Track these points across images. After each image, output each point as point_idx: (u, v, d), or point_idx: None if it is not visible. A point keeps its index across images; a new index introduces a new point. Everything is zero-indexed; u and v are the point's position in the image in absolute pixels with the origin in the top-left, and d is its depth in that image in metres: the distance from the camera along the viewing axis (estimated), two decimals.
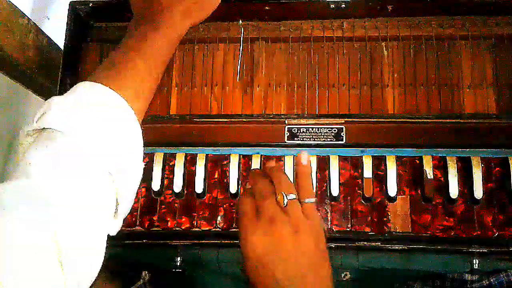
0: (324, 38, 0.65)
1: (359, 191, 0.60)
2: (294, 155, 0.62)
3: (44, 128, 0.46)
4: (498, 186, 0.59)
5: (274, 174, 0.53)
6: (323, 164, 0.61)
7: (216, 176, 0.63)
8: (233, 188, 0.61)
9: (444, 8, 0.64)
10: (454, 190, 0.58)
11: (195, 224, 0.61)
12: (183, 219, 0.62)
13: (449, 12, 0.64)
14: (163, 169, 0.62)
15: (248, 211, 0.50)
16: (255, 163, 0.62)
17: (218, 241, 0.62)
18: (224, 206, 0.62)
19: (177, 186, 0.62)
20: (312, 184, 0.54)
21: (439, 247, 0.60)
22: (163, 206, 0.62)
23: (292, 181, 0.53)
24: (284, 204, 0.49)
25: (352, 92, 0.63)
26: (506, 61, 0.63)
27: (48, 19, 0.90)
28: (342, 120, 0.62)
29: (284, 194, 0.49)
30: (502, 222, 0.58)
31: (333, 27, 0.65)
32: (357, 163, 0.61)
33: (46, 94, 0.80)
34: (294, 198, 0.50)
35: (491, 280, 0.61)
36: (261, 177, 0.53)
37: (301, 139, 0.62)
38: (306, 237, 0.48)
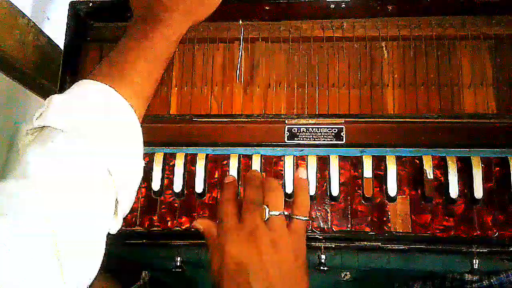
0: (324, 38, 0.65)
1: (359, 191, 0.60)
2: (294, 155, 0.62)
3: (43, 126, 0.46)
4: (498, 186, 0.59)
5: (267, 186, 0.53)
6: (323, 164, 0.61)
7: (216, 176, 0.63)
8: None
9: (444, 8, 0.64)
10: (454, 190, 0.58)
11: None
12: (183, 219, 0.62)
13: (449, 12, 0.64)
14: (163, 169, 0.62)
15: (228, 218, 0.51)
16: (255, 163, 0.62)
17: None
18: None
19: (177, 186, 0.61)
20: (309, 201, 0.56)
21: (439, 247, 0.60)
22: (163, 206, 0.62)
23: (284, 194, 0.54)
24: (265, 218, 0.50)
25: (352, 92, 0.63)
26: (506, 61, 0.63)
27: (48, 19, 0.90)
28: (342, 120, 0.62)
29: (266, 209, 0.50)
30: (502, 222, 0.58)
31: (333, 27, 0.65)
32: (357, 163, 0.61)
33: (46, 94, 0.80)
34: (277, 214, 0.50)
35: (491, 280, 0.61)
36: (257, 183, 0.54)
37: (301, 139, 0.62)
38: (284, 251, 0.49)
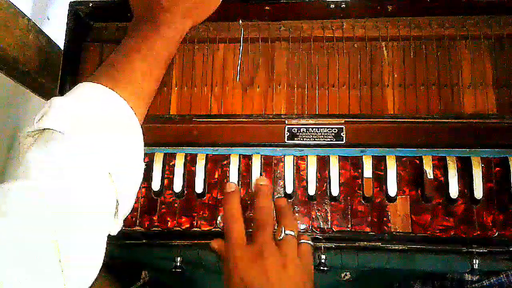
0: (324, 38, 0.65)
1: (359, 191, 0.60)
2: (294, 155, 0.62)
3: (44, 129, 0.46)
4: (498, 186, 0.59)
5: (282, 209, 0.54)
6: (323, 164, 0.61)
7: (216, 176, 0.63)
8: None
9: (444, 8, 0.64)
10: (454, 190, 0.58)
11: (195, 224, 0.61)
12: (183, 219, 0.62)
13: (449, 12, 0.64)
14: (163, 169, 0.62)
15: (235, 235, 0.51)
16: (255, 163, 0.62)
17: None
18: None
19: (177, 186, 0.61)
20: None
21: (439, 247, 0.60)
22: (163, 206, 0.62)
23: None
24: (280, 237, 0.50)
25: (352, 92, 0.63)
26: (506, 61, 0.63)
27: (48, 19, 0.90)
28: (342, 120, 0.62)
29: (283, 228, 0.50)
30: (502, 222, 0.58)
31: (333, 27, 0.65)
32: (357, 163, 0.61)
33: (46, 94, 0.80)
34: (292, 235, 0.51)
35: (491, 280, 0.61)
36: (266, 200, 0.54)
37: (301, 139, 0.62)
38: (293, 272, 0.49)
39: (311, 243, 0.53)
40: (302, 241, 0.53)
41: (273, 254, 0.49)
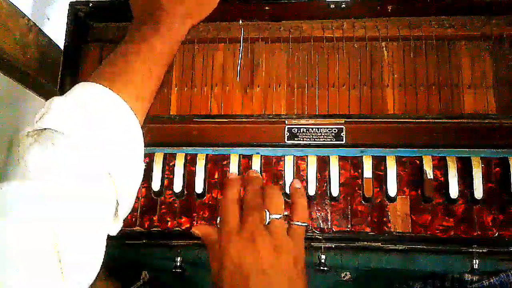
0: (324, 38, 0.65)
1: (359, 191, 0.60)
2: (294, 155, 0.62)
3: (44, 128, 0.46)
4: (498, 186, 0.59)
5: (267, 191, 0.54)
6: (323, 164, 0.61)
7: (216, 176, 0.63)
8: None
9: (444, 8, 0.64)
10: (454, 190, 0.58)
11: (195, 224, 0.61)
12: (183, 219, 0.62)
13: (449, 12, 0.64)
14: (163, 169, 0.62)
15: (231, 220, 0.51)
16: (255, 163, 0.62)
17: None
18: None
19: (177, 186, 0.61)
20: (307, 208, 0.57)
21: (439, 247, 0.60)
22: (163, 206, 0.62)
23: (284, 199, 0.55)
24: (265, 222, 0.50)
25: (352, 92, 0.63)
26: (506, 61, 0.63)
27: (48, 19, 0.90)
28: (342, 120, 0.62)
29: (267, 212, 0.51)
30: (502, 222, 0.58)
31: (333, 27, 0.65)
32: (357, 163, 0.61)
33: (46, 94, 0.80)
34: (278, 218, 0.51)
35: (491, 280, 0.61)
36: (256, 187, 0.54)
37: (301, 139, 0.62)
38: (285, 256, 0.49)
39: (303, 224, 0.53)
40: (294, 223, 0.53)
41: (263, 239, 0.49)
